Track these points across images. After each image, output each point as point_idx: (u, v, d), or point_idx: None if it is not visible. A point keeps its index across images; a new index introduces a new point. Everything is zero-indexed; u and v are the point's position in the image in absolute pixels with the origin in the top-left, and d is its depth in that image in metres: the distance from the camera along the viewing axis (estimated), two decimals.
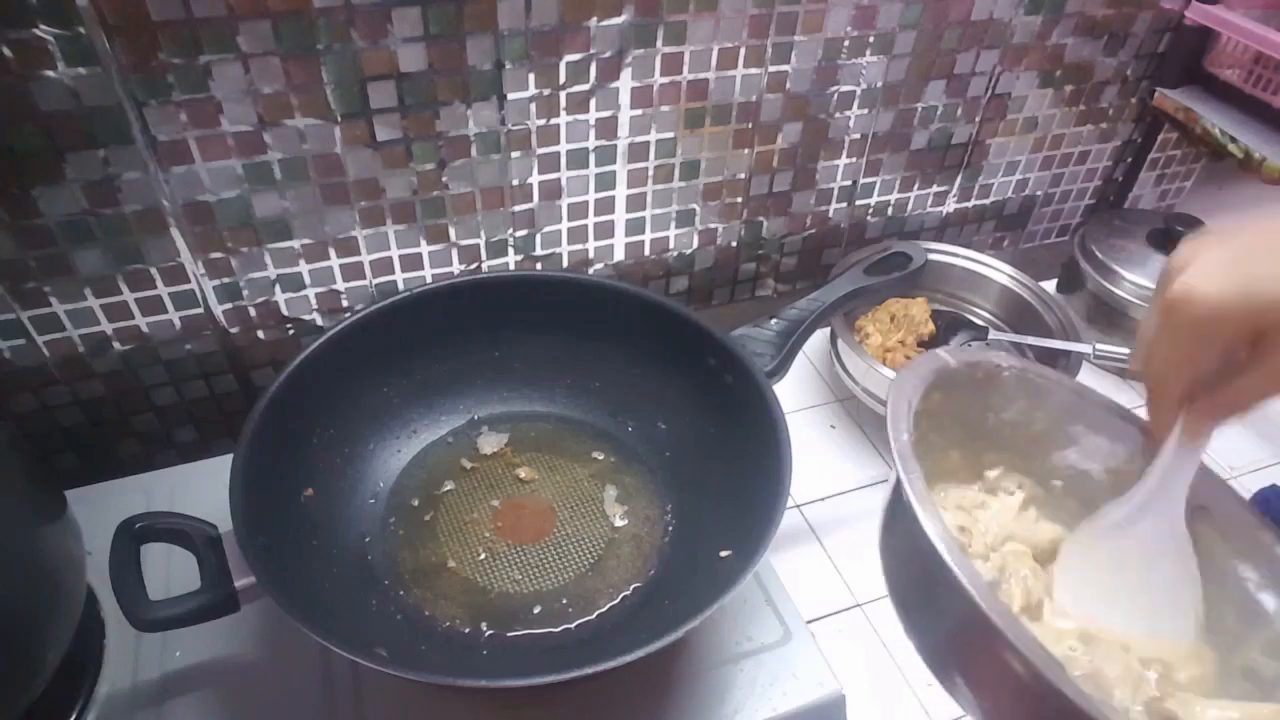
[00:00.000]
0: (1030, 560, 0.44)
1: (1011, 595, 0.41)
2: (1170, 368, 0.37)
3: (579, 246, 0.77)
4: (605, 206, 0.75)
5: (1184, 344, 0.35)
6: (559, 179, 0.71)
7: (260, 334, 0.70)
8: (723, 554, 0.53)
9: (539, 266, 0.76)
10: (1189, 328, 0.34)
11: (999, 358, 0.45)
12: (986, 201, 0.93)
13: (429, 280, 0.72)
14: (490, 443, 0.66)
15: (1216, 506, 0.43)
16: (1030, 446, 0.47)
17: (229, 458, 0.51)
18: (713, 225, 0.80)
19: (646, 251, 0.80)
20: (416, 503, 0.62)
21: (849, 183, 0.83)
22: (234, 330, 0.69)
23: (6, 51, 0.51)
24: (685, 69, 0.68)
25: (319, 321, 0.71)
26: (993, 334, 0.81)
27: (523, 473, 0.64)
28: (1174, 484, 0.40)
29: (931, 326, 0.79)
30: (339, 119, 0.61)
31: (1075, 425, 0.46)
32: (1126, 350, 0.74)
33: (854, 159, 0.81)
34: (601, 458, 0.66)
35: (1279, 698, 0.38)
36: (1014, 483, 0.47)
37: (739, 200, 0.80)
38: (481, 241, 0.72)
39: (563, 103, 0.67)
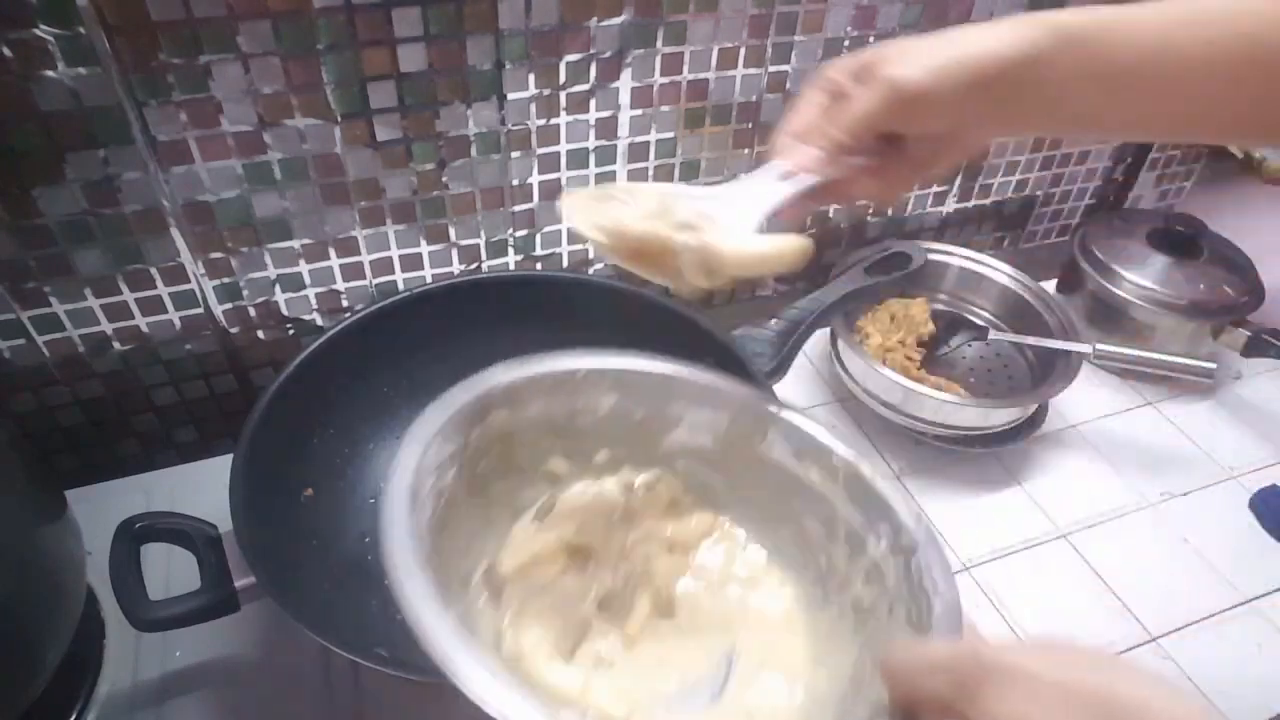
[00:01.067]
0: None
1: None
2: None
3: (579, 246, 0.76)
4: None
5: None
6: (559, 179, 0.71)
7: (260, 334, 0.70)
8: None
9: (539, 266, 0.76)
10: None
11: (566, 361, 0.43)
12: (986, 201, 0.93)
13: (429, 280, 0.72)
14: None
15: (810, 449, 0.43)
16: (638, 437, 0.45)
17: (229, 458, 0.51)
18: None
19: None
20: None
21: None
22: (234, 330, 0.69)
23: (6, 51, 0.50)
24: (685, 69, 0.68)
25: (319, 321, 0.71)
26: (993, 334, 0.81)
27: None
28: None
29: (931, 326, 0.79)
30: (339, 119, 0.61)
31: (673, 405, 0.45)
32: (1127, 350, 0.74)
33: None
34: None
35: (874, 621, 0.38)
36: (641, 477, 0.46)
37: None
38: (481, 241, 0.72)
39: (563, 103, 0.67)
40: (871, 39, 0.72)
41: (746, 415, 0.44)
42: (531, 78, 0.64)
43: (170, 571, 0.55)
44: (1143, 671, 0.28)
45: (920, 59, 0.38)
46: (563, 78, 0.65)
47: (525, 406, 0.42)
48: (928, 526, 0.38)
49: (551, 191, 0.71)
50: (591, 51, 0.65)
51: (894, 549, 0.38)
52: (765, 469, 0.44)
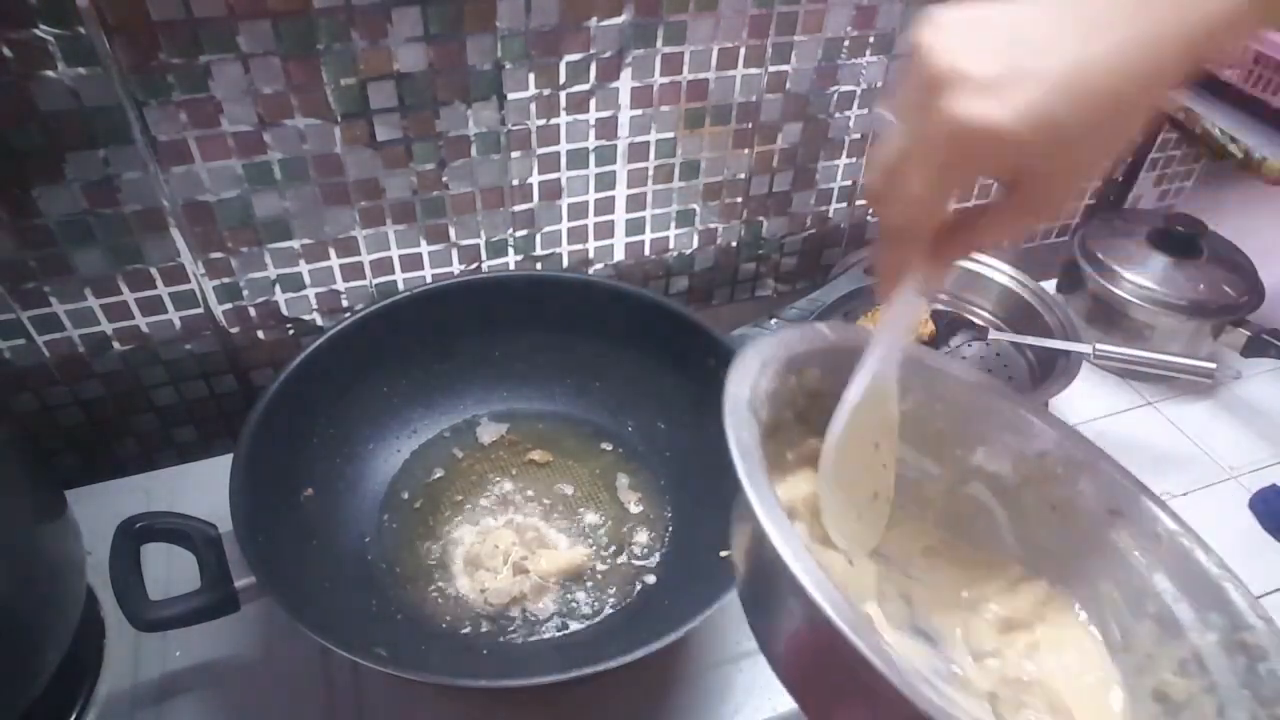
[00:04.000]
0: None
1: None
2: (933, 202, 0.31)
3: (579, 246, 0.76)
4: (605, 206, 0.75)
5: (959, 173, 0.30)
6: (559, 179, 0.71)
7: (260, 334, 0.70)
8: (723, 554, 0.53)
9: (539, 266, 0.76)
10: (975, 158, 0.29)
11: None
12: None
13: (429, 280, 0.72)
14: (489, 435, 0.66)
15: (1130, 510, 0.40)
16: (933, 444, 0.43)
17: (229, 458, 0.51)
18: (713, 225, 0.80)
19: (646, 251, 0.80)
20: (409, 496, 0.62)
21: (849, 183, 0.83)
22: (234, 330, 0.69)
23: (6, 51, 0.50)
24: (685, 69, 0.68)
25: (319, 321, 0.71)
26: (993, 334, 0.81)
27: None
28: (898, 339, 0.37)
29: (931, 326, 0.79)
30: (339, 119, 0.61)
31: (980, 424, 0.42)
32: (1127, 350, 0.74)
33: (854, 159, 0.81)
34: (605, 452, 0.66)
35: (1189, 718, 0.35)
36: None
37: (739, 200, 0.80)
38: (481, 241, 0.72)
39: (563, 103, 0.67)
40: (871, 39, 0.72)
41: (1059, 454, 0.41)
42: (531, 78, 0.64)
43: (170, 571, 0.55)
44: None
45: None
46: (563, 78, 0.65)
47: (838, 374, 0.39)
48: None
49: (552, 191, 0.71)
50: (591, 51, 0.65)
51: (1228, 646, 0.35)
52: (1065, 517, 0.41)
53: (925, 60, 0.29)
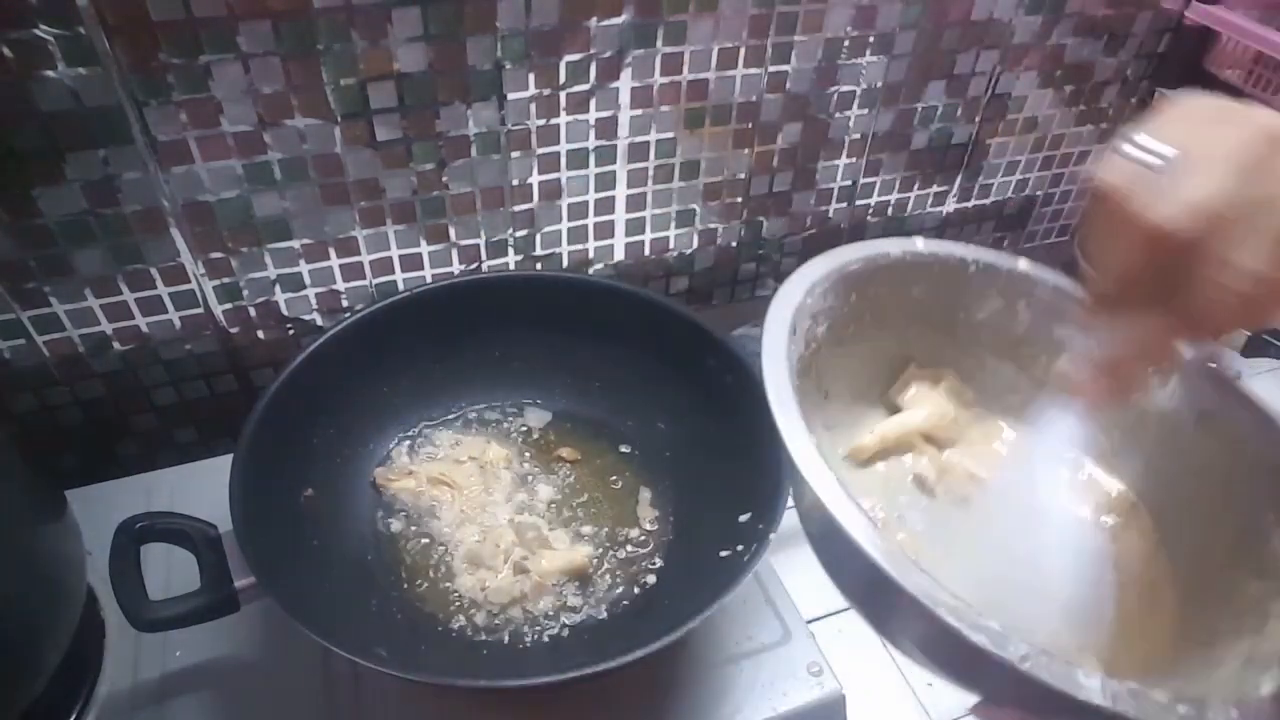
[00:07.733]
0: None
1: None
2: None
3: (579, 246, 0.76)
4: (605, 206, 0.75)
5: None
6: (559, 179, 0.71)
7: (260, 334, 0.70)
8: (723, 554, 0.53)
9: (539, 266, 0.76)
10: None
11: (963, 250, 0.41)
12: (986, 201, 0.93)
13: (429, 280, 0.72)
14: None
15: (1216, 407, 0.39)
16: (1017, 351, 0.42)
17: (229, 458, 0.51)
18: (713, 225, 0.80)
19: (646, 251, 0.80)
20: None
21: (849, 183, 0.83)
22: (234, 330, 0.69)
23: (6, 51, 0.51)
24: (685, 69, 0.68)
25: (319, 321, 0.71)
26: None
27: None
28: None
29: None
30: (339, 119, 0.61)
31: (1062, 327, 0.41)
32: None
33: (854, 159, 0.81)
34: (605, 452, 0.66)
35: (1265, 628, 0.33)
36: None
37: (739, 200, 0.80)
38: (481, 241, 0.72)
39: (563, 103, 0.67)
40: (871, 39, 0.72)
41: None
42: (531, 78, 0.64)
43: (170, 571, 0.55)
44: None
45: None
46: (563, 78, 0.65)
47: (908, 287, 0.40)
48: None
49: (552, 191, 0.71)
50: (591, 51, 0.65)
51: None
52: (1149, 417, 0.40)
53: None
